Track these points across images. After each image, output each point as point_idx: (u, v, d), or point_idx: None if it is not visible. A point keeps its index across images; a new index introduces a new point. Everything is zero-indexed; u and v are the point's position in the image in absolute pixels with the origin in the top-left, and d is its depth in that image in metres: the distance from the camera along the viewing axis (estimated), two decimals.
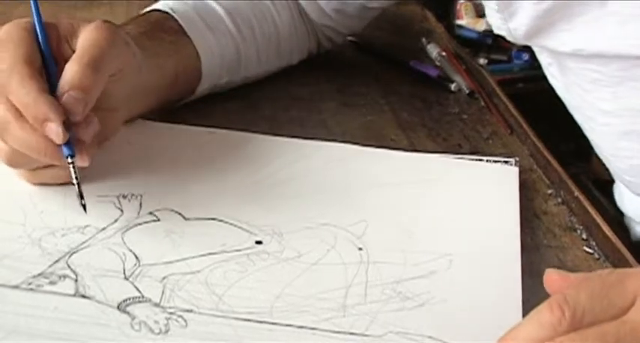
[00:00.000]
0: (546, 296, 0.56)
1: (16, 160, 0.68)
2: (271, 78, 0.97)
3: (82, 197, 0.67)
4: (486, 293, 0.63)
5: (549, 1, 0.72)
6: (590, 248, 0.71)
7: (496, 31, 0.79)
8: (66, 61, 0.69)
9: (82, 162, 0.67)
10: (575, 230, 0.73)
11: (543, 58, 0.79)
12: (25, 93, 0.65)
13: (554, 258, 0.69)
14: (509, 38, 0.78)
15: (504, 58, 2.26)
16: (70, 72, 0.67)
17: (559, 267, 0.67)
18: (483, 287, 0.64)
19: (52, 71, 0.68)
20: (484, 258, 0.67)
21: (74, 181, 0.67)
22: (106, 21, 0.72)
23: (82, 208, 0.67)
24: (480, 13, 2.24)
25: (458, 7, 2.30)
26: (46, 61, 0.69)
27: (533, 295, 0.62)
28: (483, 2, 0.78)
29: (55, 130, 0.64)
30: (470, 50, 1.17)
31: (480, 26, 2.24)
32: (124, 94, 0.73)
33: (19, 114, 0.65)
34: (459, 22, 2.29)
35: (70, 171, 0.67)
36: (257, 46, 0.92)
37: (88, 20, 0.72)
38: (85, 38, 0.69)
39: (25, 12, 1.20)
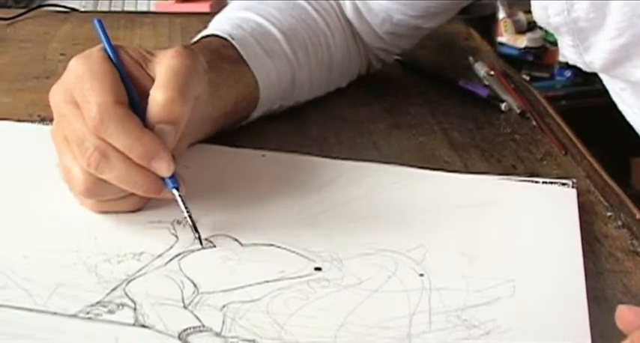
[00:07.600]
0: (613, 322, 0.55)
1: (95, 191, 0.66)
2: (319, 98, 0.96)
3: (196, 229, 0.66)
4: (553, 320, 0.61)
5: (626, 37, 0.70)
6: None
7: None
8: (142, 84, 0.68)
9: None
10: (638, 254, 0.71)
11: (615, 84, 0.77)
12: (126, 136, 0.63)
13: (618, 283, 0.67)
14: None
15: (546, 75, 2.24)
16: (158, 103, 0.66)
17: (624, 293, 0.66)
18: (549, 314, 0.62)
19: (135, 100, 0.67)
20: (548, 284, 0.65)
21: (185, 214, 0.66)
22: (185, 46, 0.70)
23: (138, 234, 0.66)
24: (520, 30, 2.23)
25: (498, 24, 2.28)
26: (129, 90, 0.67)
27: (599, 321, 0.60)
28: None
29: (165, 165, 0.64)
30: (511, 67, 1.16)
31: (521, 43, 2.22)
32: (191, 123, 0.71)
33: (116, 149, 0.64)
34: (499, 39, 2.27)
35: (179, 204, 0.66)
36: (311, 70, 0.91)
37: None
38: (167, 65, 0.67)
39: (71, 30, 1.22)
